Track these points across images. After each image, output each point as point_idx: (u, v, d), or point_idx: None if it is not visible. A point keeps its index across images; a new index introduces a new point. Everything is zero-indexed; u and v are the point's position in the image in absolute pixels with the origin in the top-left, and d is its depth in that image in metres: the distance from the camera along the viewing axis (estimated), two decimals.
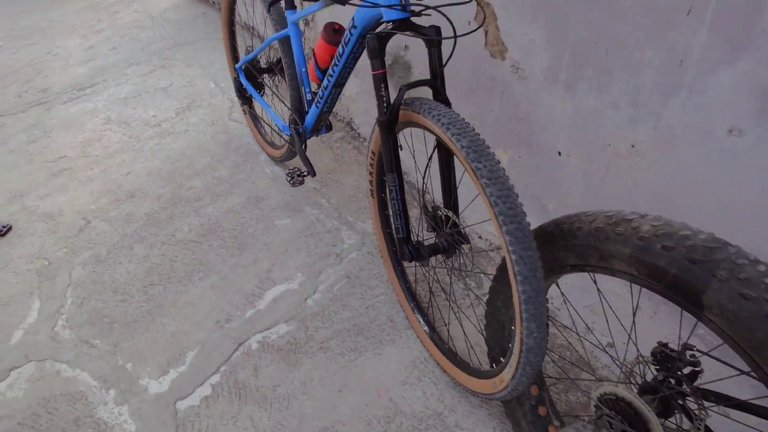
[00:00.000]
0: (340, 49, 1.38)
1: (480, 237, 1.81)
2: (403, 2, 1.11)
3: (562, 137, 1.45)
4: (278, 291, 1.71)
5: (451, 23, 1.05)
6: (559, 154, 1.48)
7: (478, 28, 1.08)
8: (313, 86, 1.73)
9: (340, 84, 1.52)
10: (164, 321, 1.63)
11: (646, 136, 1.22)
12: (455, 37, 1.04)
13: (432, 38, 1.10)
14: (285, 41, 1.72)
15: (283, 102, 1.81)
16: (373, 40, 1.13)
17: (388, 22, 1.13)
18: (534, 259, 0.95)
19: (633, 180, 1.30)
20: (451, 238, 1.32)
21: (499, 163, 0.99)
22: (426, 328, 1.52)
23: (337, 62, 1.42)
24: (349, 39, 1.32)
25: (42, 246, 1.95)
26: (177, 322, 1.62)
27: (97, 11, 4.16)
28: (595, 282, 0.99)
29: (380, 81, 1.16)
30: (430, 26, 1.12)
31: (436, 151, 1.24)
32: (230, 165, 2.25)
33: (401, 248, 1.32)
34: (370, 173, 1.54)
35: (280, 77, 1.96)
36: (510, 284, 1.01)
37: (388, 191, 1.28)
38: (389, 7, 1.09)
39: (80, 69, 3.25)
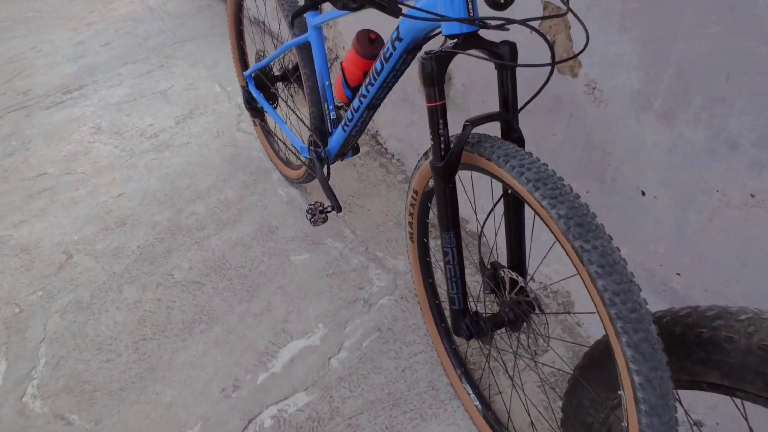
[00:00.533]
0: (377, 64, 1.14)
1: (533, 279, 1.56)
2: (471, 13, 0.85)
3: (649, 175, 1.20)
4: (296, 348, 1.48)
5: (549, 44, 0.80)
6: (643, 194, 1.24)
7: (579, 54, 0.83)
8: (338, 102, 1.48)
9: (374, 106, 1.28)
10: (158, 389, 1.40)
11: None
12: (553, 64, 0.79)
13: (507, 64, 0.84)
14: (304, 48, 1.47)
15: (301, 119, 1.56)
16: (429, 63, 0.88)
17: (450, 36, 0.88)
18: (665, 382, 0.71)
19: (746, 236, 1.06)
20: (518, 307, 1.08)
21: (611, 239, 0.75)
22: (477, 403, 1.29)
23: (372, 80, 1.18)
24: (391, 54, 1.08)
25: (13, 287, 1.73)
26: (174, 390, 1.39)
27: (89, 1, 3.91)
28: (744, 414, 0.74)
29: (437, 115, 0.92)
30: (502, 42, 0.87)
31: (501, 199, 0.99)
32: (238, 185, 2.01)
33: (456, 322, 1.09)
34: (410, 214, 1.30)
35: (296, 87, 1.71)
36: (607, 383, 0.79)
37: (442, 253, 1.04)
38: (457, 20, 0.83)
39: (68, 67, 3.02)
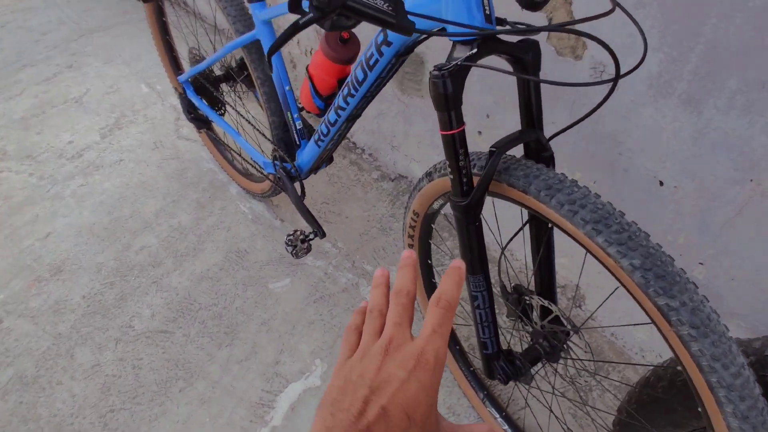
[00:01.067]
0: (358, 72, 0.97)
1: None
2: (487, 14, 0.71)
3: (669, 165, 1.11)
4: (295, 392, 1.34)
5: (613, 54, 0.66)
6: (661, 184, 1.15)
7: (638, 66, 0.69)
8: (305, 111, 1.30)
9: (355, 117, 1.11)
10: None
11: None
12: (616, 79, 0.66)
13: (552, 83, 0.70)
14: (253, 48, 1.28)
15: (259, 130, 1.37)
16: (442, 82, 0.73)
17: (461, 42, 0.72)
18: None
19: None
20: (553, 336, 0.98)
21: (697, 288, 0.64)
22: (507, 427, 1.21)
23: (353, 91, 1.01)
24: (377, 60, 0.92)
25: None
26: None
27: None
28: None
29: (456, 145, 0.79)
30: (523, 43, 0.73)
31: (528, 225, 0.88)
32: (192, 206, 1.80)
33: (489, 366, 0.98)
34: (410, 236, 1.17)
35: (245, 87, 1.50)
36: (673, 421, 0.70)
37: (469, 297, 0.91)
38: (480, 30, 0.68)
39: None
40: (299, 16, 0.60)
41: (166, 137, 2.08)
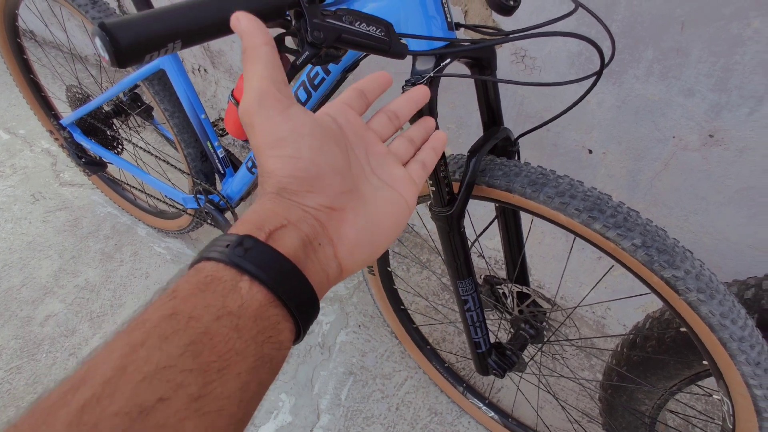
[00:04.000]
0: (300, 92, 0.90)
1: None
2: (449, 18, 0.68)
3: (596, 134, 1.17)
4: None
5: (599, 50, 0.66)
6: (590, 152, 1.21)
7: (608, 64, 0.70)
8: (229, 136, 1.19)
9: None
10: None
11: (734, 124, 0.99)
12: (599, 73, 0.66)
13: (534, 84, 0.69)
14: (155, 79, 1.13)
15: (171, 163, 1.23)
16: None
17: (420, 53, 0.69)
18: None
19: (705, 173, 1.09)
20: (533, 317, 1.00)
21: (693, 253, 0.68)
22: (493, 414, 1.22)
23: None
24: (323, 79, 0.86)
25: None
26: None
27: None
28: None
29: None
30: (477, 41, 0.72)
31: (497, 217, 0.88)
32: (97, 259, 1.58)
33: (483, 363, 0.97)
34: None
35: (142, 120, 1.34)
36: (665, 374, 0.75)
37: (458, 302, 0.89)
38: (447, 41, 0.65)
39: None
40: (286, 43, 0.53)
41: (46, 186, 1.79)
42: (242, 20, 0.34)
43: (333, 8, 0.57)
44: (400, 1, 0.66)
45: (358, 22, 0.52)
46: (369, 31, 0.52)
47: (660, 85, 1.02)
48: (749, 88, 0.93)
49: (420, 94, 0.44)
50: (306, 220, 0.32)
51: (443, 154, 0.74)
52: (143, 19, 0.40)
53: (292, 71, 0.50)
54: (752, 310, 0.76)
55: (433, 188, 0.76)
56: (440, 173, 0.75)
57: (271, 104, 0.32)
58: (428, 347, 1.28)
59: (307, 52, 0.50)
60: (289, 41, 0.52)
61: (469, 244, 0.98)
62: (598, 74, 0.67)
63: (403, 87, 0.68)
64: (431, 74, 0.67)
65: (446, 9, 0.67)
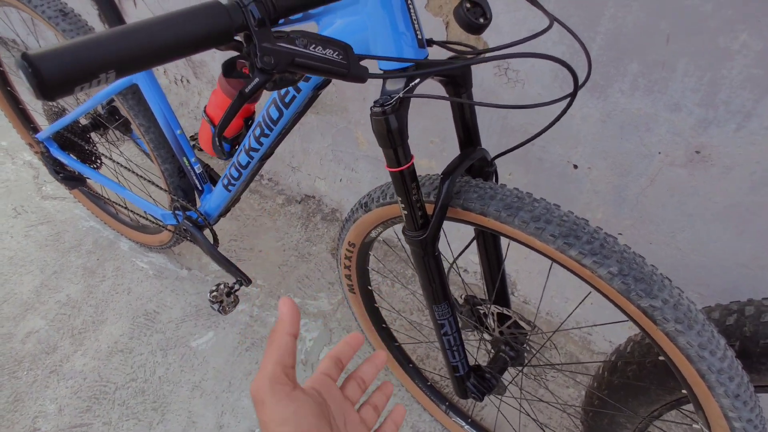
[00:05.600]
0: (271, 110, 0.85)
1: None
2: (419, 35, 0.63)
3: (581, 149, 1.12)
4: None
5: (573, 72, 0.61)
6: (575, 167, 1.16)
7: (583, 84, 0.65)
8: (205, 153, 1.13)
9: (268, 155, 0.97)
10: None
11: (721, 140, 0.94)
12: (573, 94, 0.61)
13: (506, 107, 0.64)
14: (129, 93, 1.08)
15: (149, 179, 1.17)
16: (385, 119, 0.64)
17: (392, 71, 0.64)
18: (762, 419, 0.66)
19: (691, 189, 1.04)
20: (514, 339, 0.95)
21: (671, 281, 0.63)
22: None
23: (266, 131, 0.88)
24: (294, 96, 0.80)
25: None
26: None
27: None
28: None
29: (407, 180, 0.69)
30: (450, 59, 0.67)
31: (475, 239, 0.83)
32: (79, 274, 1.52)
33: (461, 386, 0.92)
34: (347, 267, 1.06)
35: (121, 134, 1.28)
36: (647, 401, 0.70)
37: (435, 326, 0.84)
38: (414, 63, 0.60)
39: None
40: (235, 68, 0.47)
41: (28, 200, 1.73)
42: (285, 306, 0.41)
43: (289, 27, 0.52)
44: (368, 18, 0.61)
45: (314, 45, 0.46)
46: (326, 54, 0.47)
47: (645, 99, 0.97)
48: (737, 103, 0.88)
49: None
50: None
51: (415, 175, 0.69)
52: (71, 49, 0.34)
53: (237, 102, 0.45)
54: (733, 338, 0.71)
55: (406, 212, 0.71)
56: (412, 196, 0.69)
57: (280, 388, 0.38)
58: (411, 365, 1.22)
59: (257, 79, 0.44)
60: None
61: (448, 264, 0.93)
62: (572, 96, 0.62)
63: (371, 108, 0.63)
64: (401, 95, 0.62)
65: (416, 26, 0.62)
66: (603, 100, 1.01)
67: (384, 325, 1.19)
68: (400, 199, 0.70)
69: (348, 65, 0.48)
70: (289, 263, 1.52)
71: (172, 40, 0.38)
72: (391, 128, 0.63)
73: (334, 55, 0.48)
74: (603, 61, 0.96)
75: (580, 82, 0.60)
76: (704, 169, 0.99)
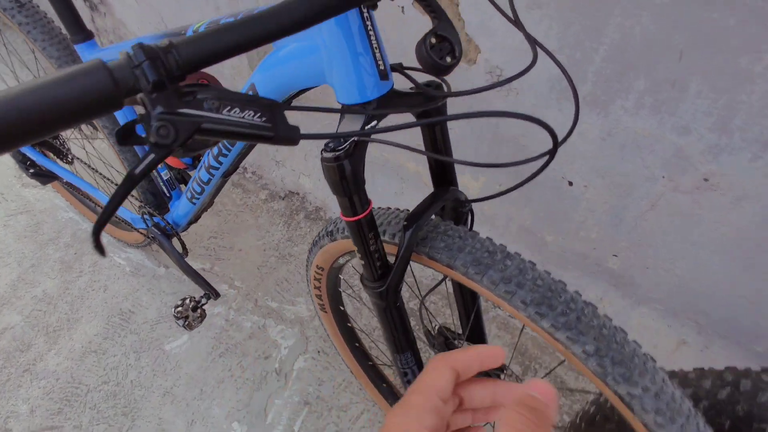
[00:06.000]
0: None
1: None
2: (381, 66, 0.53)
3: (578, 165, 1.02)
4: None
5: (552, 133, 0.52)
6: (571, 184, 1.06)
7: (574, 125, 0.55)
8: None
9: (231, 172, 0.88)
10: None
11: (733, 169, 0.83)
12: (554, 151, 0.53)
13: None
14: None
15: (113, 180, 1.09)
16: (337, 166, 0.55)
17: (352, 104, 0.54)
18: None
19: (697, 218, 0.94)
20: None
21: (655, 362, 0.55)
22: None
23: (224, 150, 0.79)
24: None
25: None
26: None
27: None
28: None
29: (363, 230, 0.60)
30: (427, 83, 0.57)
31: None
32: (56, 268, 1.46)
33: None
34: (317, 287, 0.99)
35: (93, 129, 1.20)
36: None
37: (398, 374, 0.77)
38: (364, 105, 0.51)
39: None
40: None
41: (8, 188, 1.66)
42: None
43: (197, 83, 0.42)
44: (321, 45, 0.52)
45: (228, 108, 0.37)
46: (243, 117, 0.37)
47: (651, 119, 0.86)
48: (755, 131, 0.77)
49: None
50: None
51: (374, 224, 0.60)
52: None
53: (127, 183, 0.35)
54: (724, 416, 0.62)
55: (363, 261, 0.62)
56: (370, 247, 0.60)
57: None
58: (385, 385, 1.15)
59: (151, 155, 0.35)
60: None
61: (420, 302, 0.84)
62: (551, 154, 0.52)
63: (321, 152, 0.54)
64: (356, 138, 0.53)
65: (377, 55, 0.52)
66: (604, 116, 0.90)
67: (357, 344, 1.12)
68: (357, 249, 0.61)
69: (274, 127, 0.39)
70: (269, 264, 1.44)
71: (47, 112, 0.29)
72: (345, 175, 0.54)
73: (255, 118, 0.38)
74: (606, 74, 0.85)
75: (560, 138, 0.50)
76: (712, 198, 0.89)
